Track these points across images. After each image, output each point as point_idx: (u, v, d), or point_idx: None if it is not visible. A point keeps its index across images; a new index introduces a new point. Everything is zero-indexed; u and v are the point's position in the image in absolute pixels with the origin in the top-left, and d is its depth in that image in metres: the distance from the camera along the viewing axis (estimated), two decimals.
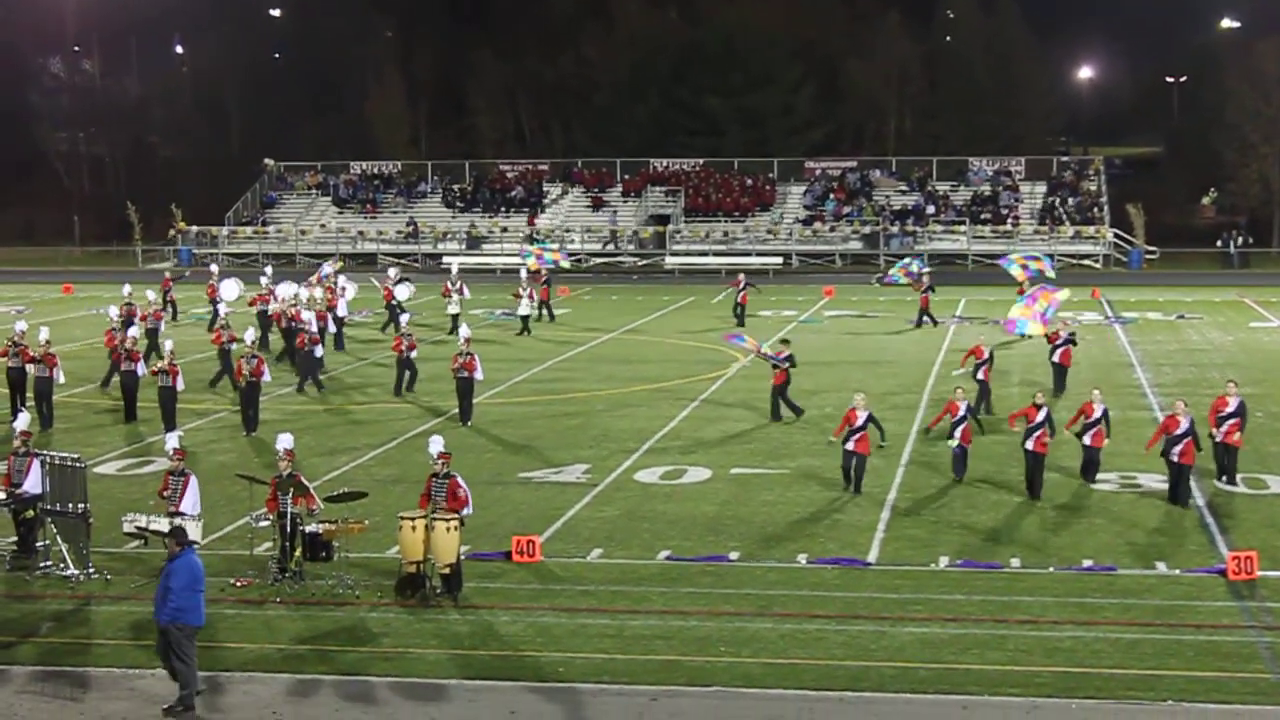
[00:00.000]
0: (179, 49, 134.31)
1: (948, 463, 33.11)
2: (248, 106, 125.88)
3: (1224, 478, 32.24)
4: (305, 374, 45.12)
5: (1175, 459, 30.33)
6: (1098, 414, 32.07)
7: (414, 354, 43.84)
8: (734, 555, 26.67)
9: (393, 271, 62.49)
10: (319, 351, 45.73)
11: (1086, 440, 32.30)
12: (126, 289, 53.21)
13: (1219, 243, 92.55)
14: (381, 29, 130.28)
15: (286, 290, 51.83)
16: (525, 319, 57.46)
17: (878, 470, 33.21)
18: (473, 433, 38.14)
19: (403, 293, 58.94)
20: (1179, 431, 30.28)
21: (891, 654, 21.68)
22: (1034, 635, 22.36)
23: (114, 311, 48.93)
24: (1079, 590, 24.45)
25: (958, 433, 32.42)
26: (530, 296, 57.94)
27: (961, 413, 32.44)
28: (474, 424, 38.99)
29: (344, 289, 57.03)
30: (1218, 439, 32.33)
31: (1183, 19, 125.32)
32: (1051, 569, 25.66)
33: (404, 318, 47.07)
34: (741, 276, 62.32)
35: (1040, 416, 31.02)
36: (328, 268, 59.42)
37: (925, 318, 59.23)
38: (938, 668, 21.11)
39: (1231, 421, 32.23)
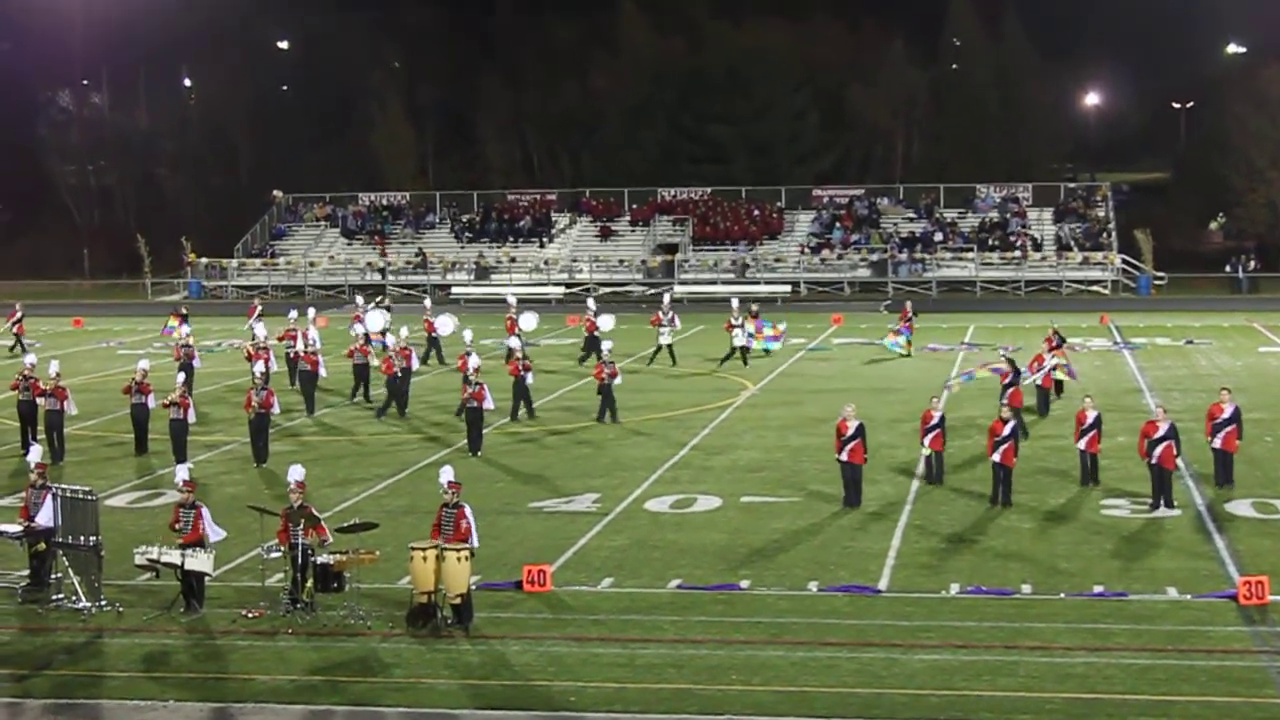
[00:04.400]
0: (187, 81, 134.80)
1: (959, 489, 33.28)
2: (256, 138, 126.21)
3: (1223, 484, 33.34)
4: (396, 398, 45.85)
5: (1154, 461, 31.63)
6: (1091, 420, 33.50)
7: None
8: (745, 583, 26.68)
9: (378, 300, 63.03)
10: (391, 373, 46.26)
11: (1082, 445, 33.74)
12: (185, 330, 52.88)
13: (1227, 268, 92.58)
14: (388, 59, 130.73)
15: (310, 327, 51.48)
16: (669, 348, 57.05)
17: (888, 497, 33.27)
18: (483, 463, 38.17)
19: (377, 322, 58.75)
20: (1157, 435, 31.54)
21: (903, 681, 21.68)
22: (1045, 661, 22.35)
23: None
24: (1090, 616, 24.44)
25: (927, 440, 33.83)
26: (673, 323, 57.45)
27: (935, 420, 33.73)
28: (484, 454, 39.03)
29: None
30: (1216, 445, 33.54)
31: (1189, 44, 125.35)
32: (1063, 595, 25.64)
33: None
34: (591, 301, 62.78)
35: (1006, 430, 32.05)
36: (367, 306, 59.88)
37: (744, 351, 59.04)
38: (949, 694, 21.11)
39: (1229, 428, 33.31)
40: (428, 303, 63.12)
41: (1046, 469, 35.60)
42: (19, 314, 66.05)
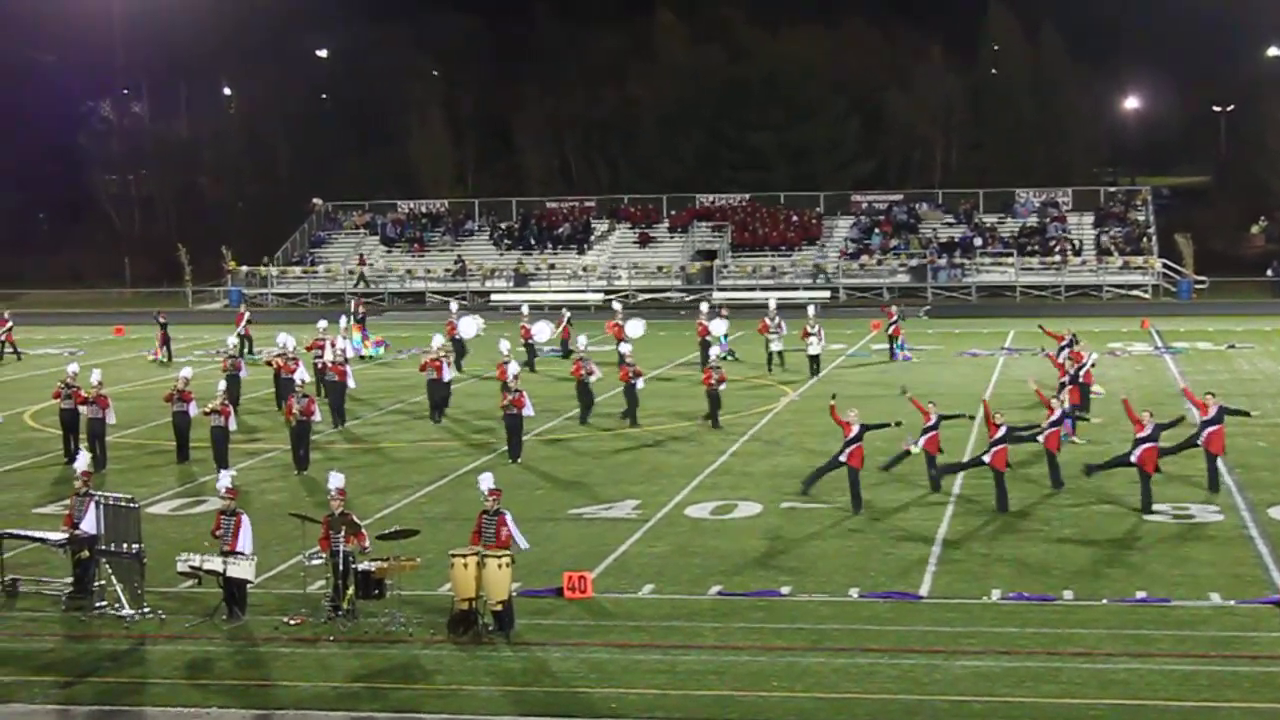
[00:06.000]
0: (227, 90, 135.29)
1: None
2: (295, 146, 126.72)
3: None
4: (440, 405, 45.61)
5: (1133, 461, 32.18)
6: (1055, 416, 34.23)
7: (593, 379, 45.27)
8: (785, 590, 26.65)
9: (354, 310, 63.27)
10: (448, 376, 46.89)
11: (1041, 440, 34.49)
12: (231, 341, 51.94)
13: (1269, 272, 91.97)
14: (427, 68, 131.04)
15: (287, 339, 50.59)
16: (780, 354, 56.34)
17: (929, 504, 33.18)
18: (523, 469, 38.22)
19: (470, 328, 58.98)
20: (1140, 435, 32.15)
21: (945, 688, 21.63)
22: (1088, 668, 22.28)
23: (504, 346, 47.95)
24: (1133, 622, 24.35)
25: (922, 440, 34.47)
26: (780, 328, 56.42)
27: (931, 421, 34.35)
28: (524, 461, 39.08)
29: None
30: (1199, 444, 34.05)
31: (1229, 47, 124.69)
32: (1105, 601, 25.55)
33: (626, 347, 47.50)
34: (566, 312, 62.44)
35: (999, 434, 32.43)
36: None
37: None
38: (992, 701, 21.05)
39: (1212, 429, 33.70)
40: (525, 309, 62.63)
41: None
42: (9, 323, 67.60)
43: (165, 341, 64.47)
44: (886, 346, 60.48)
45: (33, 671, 23.30)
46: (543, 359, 59.24)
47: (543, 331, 59.37)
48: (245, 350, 61.64)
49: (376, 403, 50.47)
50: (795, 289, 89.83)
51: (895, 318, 60.82)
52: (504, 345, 47.84)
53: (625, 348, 47.33)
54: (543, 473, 37.93)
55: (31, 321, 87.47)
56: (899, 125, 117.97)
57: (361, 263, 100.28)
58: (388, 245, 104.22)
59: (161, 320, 65.91)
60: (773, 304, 59.31)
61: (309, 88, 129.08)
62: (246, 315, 65.59)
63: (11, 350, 66.88)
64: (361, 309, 66.48)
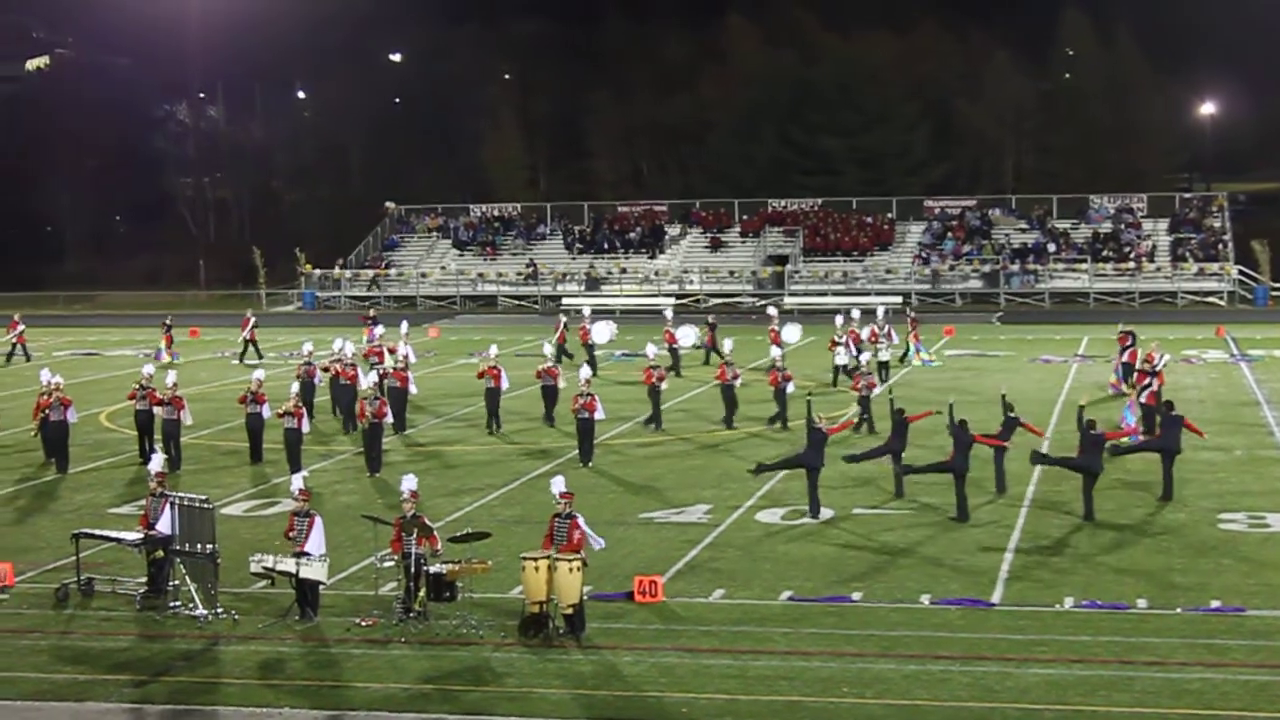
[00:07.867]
0: (301, 94, 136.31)
1: (1070, 501, 32.99)
2: (369, 150, 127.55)
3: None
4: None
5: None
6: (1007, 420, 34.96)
7: (664, 385, 45.68)
8: (856, 596, 26.59)
9: (586, 311, 63.32)
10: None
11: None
12: (307, 347, 51.47)
13: None
14: (499, 72, 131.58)
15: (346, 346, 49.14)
16: (840, 369, 54.31)
17: (1000, 510, 33.02)
18: (593, 473, 38.26)
19: (604, 334, 59.02)
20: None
21: (1017, 695, 21.52)
22: (1161, 677, 22.12)
23: (651, 350, 48.02)
24: (1207, 631, 24.14)
25: None
26: (847, 345, 54.28)
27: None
28: (595, 464, 39.13)
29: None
30: None
31: None
32: (1179, 610, 25.35)
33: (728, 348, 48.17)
34: (562, 317, 62.19)
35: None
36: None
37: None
38: (1064, 709, 20.93)
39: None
40: (668, 314, 62.26)
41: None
42: (20, 326, 68.61)
43: (170, 343, 65.59)
44: (907, 352, 59.99)
45: (107, 670, 23.53)
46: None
47: (687, 336, 59.32)
48: (250, 355, 62.53)
49: (436, 409, 50.44)
50: (867, 294, 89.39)
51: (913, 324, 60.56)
52: (651, 350, 48.02)
53: (776, 352, 47.27)
54: (614, 477, 37.97)
55: (107, 323, 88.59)
56: (971, 130, 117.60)
57: (386, 266, 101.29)
58: (459, 249, 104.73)
59: (168, 322, 66.94)
60: (880, 311, 58.72)
61: (382, 91, 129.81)
62: (253, 320, 65.94)
63: (22, 353, 67.78)
64: (372, 313, 66.56)
